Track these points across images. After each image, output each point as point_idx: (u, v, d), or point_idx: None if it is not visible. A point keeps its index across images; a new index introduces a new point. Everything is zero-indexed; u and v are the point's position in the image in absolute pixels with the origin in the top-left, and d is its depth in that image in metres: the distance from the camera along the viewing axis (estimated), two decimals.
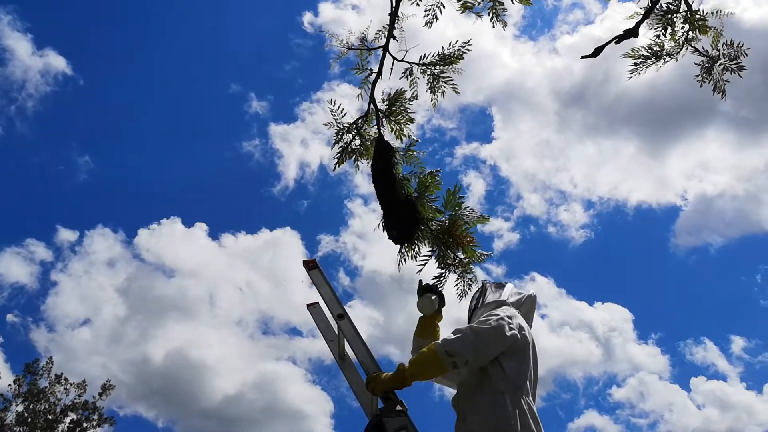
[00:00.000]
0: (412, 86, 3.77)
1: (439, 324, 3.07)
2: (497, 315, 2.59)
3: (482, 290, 2.97)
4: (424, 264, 3.49)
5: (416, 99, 3.77)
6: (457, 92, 3.79)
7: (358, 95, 3.88)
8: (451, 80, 3.77)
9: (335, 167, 3.84)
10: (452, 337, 2.53)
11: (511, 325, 2.55)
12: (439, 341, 2.56)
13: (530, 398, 2.50)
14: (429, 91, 3.81)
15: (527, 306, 2.83)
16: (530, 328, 2.77)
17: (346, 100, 3.84)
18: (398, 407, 2.56)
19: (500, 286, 2.93)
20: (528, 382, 2.52)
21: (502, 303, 2.76)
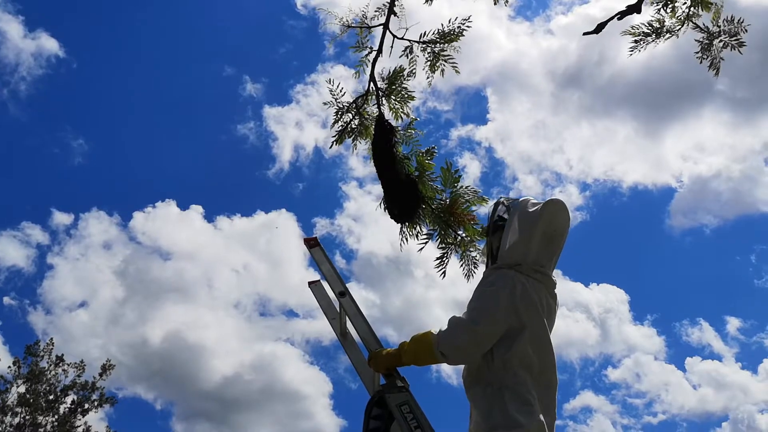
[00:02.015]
0: (412, 64, 3.75)
1: None
2: (491, 299, 2.43)
3: (495, 210, 2.72)
4: (425, 243, 3.51)
5: (414, 76, 3.74)
6: (457, 71, 3.77)
7: (355, 74, 3.85)
8: (452, 59, 3.75)
9: (332, 145, 3.83)
10: (448, 333, 2.42)
11: (507, 307, 2.40)
12: (437, 336, 2.45)
13: (522, 384, 2.35)
14: (428, 69, 3.79)
15: (543, 230, 2.51)
16: (559, 248, 2.58)
17: (341, 82, 3.82)
18: (400, 383, 2.57)
19: (514, 208, 2.61)
20: (518, 366, 2.36)
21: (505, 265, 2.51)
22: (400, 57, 3.76)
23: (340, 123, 3.80)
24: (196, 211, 34.72)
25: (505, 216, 2.63)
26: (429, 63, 3.76)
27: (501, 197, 2.79)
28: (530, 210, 2.55)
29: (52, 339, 17.91)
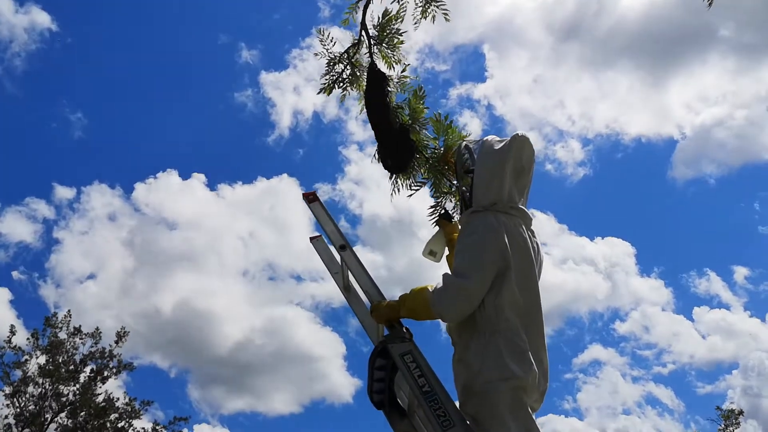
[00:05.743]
0: (402, 10, 3.64)
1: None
2: (476, 250, 2.43)
3: (460, 155, 2.74)
4: (416, 190, 3.50)
5: (402, 20, 3.63)
6: (447, 18, 3.64)
7: (344, 21, 3.74)
8: (443, 4, 3.62)
9: (320, 92, 3.76)
10: (441, 295, 2.41)
11: (493, 253, 2.40)
12: (432, 296, 2.44)
13: (513, 330, 2.36)
14: (420, 15, 3.67)
15: (513, 165, 2.53)
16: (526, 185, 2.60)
17: (337, 45, 3.73)
18: (402, 334, 2.57)
19: (480, 150, 2.61)
20: (508, 309, 2.37)
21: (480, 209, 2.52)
22: (392, 2, 3.65)
23: (331, 74, 3.72)
24: (198, 179, 34.74)
25: (472, 164, 2.62)
26: (420, 8, 3.65)
27: (464, 141, 2.81)
28: (496, 148, 2.57)
29: (69, 311, 18.13)
